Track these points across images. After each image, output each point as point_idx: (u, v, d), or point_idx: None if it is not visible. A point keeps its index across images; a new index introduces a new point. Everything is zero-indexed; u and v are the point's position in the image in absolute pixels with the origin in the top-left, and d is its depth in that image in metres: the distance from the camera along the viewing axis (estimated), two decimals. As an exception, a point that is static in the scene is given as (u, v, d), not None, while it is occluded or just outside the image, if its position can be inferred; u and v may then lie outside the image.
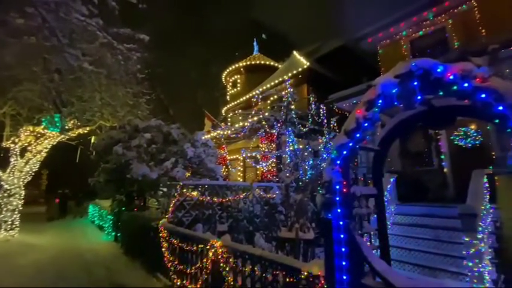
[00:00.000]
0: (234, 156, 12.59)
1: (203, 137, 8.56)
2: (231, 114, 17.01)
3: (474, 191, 4.86)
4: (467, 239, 4.22)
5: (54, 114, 8.93)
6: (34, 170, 9.85)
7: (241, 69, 18.63)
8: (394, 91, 2.07)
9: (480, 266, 4.12)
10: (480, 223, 4.41)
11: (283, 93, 7.80)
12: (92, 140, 11.32)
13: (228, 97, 19.71)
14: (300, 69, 13.53)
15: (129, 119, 9.09)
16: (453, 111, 2.18)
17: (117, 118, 9.38)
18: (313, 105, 9.97)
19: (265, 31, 52.26)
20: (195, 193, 5.99)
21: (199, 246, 4.03)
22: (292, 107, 8.59)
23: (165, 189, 7.36)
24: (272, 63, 18.58)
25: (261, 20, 54.36)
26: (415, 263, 5.47)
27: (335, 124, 9.54)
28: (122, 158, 7.70)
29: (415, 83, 1.91)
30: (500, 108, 1.52)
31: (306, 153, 6.72)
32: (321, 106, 9.70)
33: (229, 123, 15.20)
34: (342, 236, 2.37)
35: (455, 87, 1.66)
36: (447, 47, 8.75)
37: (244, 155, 8.95)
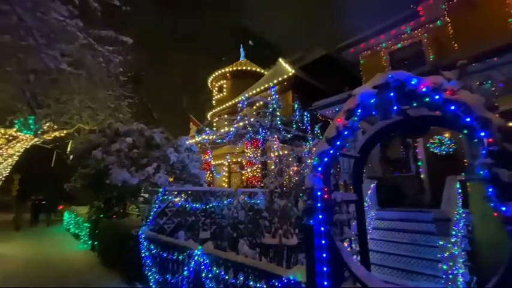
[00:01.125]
0: (219, 162, 12.49)
1: (187, 142, 8.43)
2: (216, 119, 16.94)
3: (448, 197, 5.10)
4: (441, 243, 4.40)
5: (28, 116, 8.48)
6: (5, 175, 9.24)
7: (228, 74, 18.69)
8: (372, 101, 2.16)
9: (454, 268, 4.30)
10: (454, 227, 4.62)
11: (269, 99, 7.89)
12: (70, 144, 10.83)
13: (213, 102, 19.64)
14: (285, 77, 13.76)
15: (109, 122, 8.79)
16: (427, 121, 2.30)
17: (96, 121, 9.05)
18: (297, 112, 10.14)
19: (253, 38, 52.87)
20: (177, 199, 5.87)
21: (181, 254, 3.93)
22: (278, 113, 8.70)
23: (146, 196, 7.15)
24: (258, 69, 18.78)
25: (249, 26, 55.00)
26: (394, 266, 5.62)
27: (318, 131, 9.74)
28: (101, 162, 7.41)
29: (392, 94, 2.00)
30: (468, 119, 1.62)
31: (290, 159, 6.79)
32: (305, 113, 9.88)
33: (214, 128, 15.12)
34: (323, 241, 2.41)
35: (427, 99, 1.76)
36: (423, 60, 9.25)
37: (229, 161, 8.90)
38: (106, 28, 6.40)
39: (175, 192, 6.02)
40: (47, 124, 9.22)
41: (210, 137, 10.62)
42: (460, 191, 5.74)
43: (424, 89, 1.76)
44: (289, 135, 8.73)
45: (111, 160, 7.32)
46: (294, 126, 9.66)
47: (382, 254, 6.05)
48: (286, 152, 8.22)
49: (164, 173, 7.14)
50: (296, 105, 10.78)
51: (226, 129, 10.28)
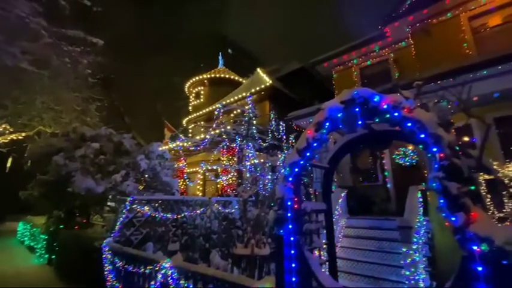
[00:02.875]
0: (194, 170, 12.20)
1: (160, 149, 8.15)
2: (192, 125, 16.63)
3: (410, 206, 5.43)
4: (404, 250, 4.66)
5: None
6: None
7: (205, 81, 18.57)
8: (339, 115, 2.27)
9: (416, 274, 4.55)
10: (415, 234, 4.92)
11: (246, 108, 7.95)
12: (28, 148, 9.95)
13: (190, 108, 19.32)
14: (262, 86, 13.98)
15: (75, 125, 8.24)
16: (389, 135, 2.46)
17: (60, 124, 8.43)
18: (273, 122, 10.31)
19: (232, 46, 53.30)
20: (146, 209, 5.60)
21: (148, 267, 3.73)
22: (254, 122, 8.76)
23: (112, 205, 6.75)
24: (236, 77, 18.91)
25: (229, 35, 55.44)
26: (362, 273, 5.80)
27: (293, 140, 9.96)
28: (63, 169, 6.88)
29: (357, 109, 2.12)
30: (422, 136, 1.76)
31: (265, 168, 6.84)
32: (281, 123, 10.08)
33: (190, 135, 14.82)
34: (292, 251, 2.43)
35: (388, 115, 1.89)
36: (390, 76, 9.96)
37: (204, 169, 8.74)
38: (75, 28, 6.08)
39: (145, 201, 5.74)
40: (2, 126, 8.40)
41: (185, 144, 10.36)
42: (421, 200, 6.15)
43: (385, 106, 1.90)
44: (264, 144, 8.82)
45: (74, 167, 6.83)
46: (270, 135, 9.78)
47: (351, 261, 6.23)
48: (262, 160, 8.27)
49: (133, 181, 6.80)
50: (272, 115, 10.97)
51: (202, 136, 10.12)
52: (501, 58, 5.31)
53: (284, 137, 9.92)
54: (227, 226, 6.43)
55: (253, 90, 14.02)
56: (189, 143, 10.26)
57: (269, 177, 6.06)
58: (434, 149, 1.71)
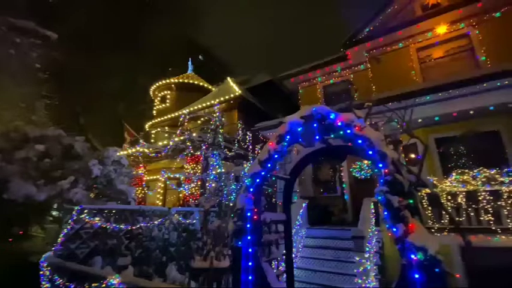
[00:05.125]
0: (154, 177, 11.55)
1: (117, 154, 7.59)
2: (155, 130, 15.88)
3: (363, 216, 5.80)
4: (357, 258, 4.92)
5: None
6: None
7: (173, 85, 18.02)
8: (299, 129, 2.37)
9: (367, 282, 4.81)
10: (367, 244, 5.24)
11: (212, 116, 7.86)
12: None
13: (154, 112, 18.49)
14: (232, 96, 14.03)
15: (16, 124, 7.30)
16: (344, 150, 2.63)
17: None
18: (241, 131, 10.36)
19: (203, 53, 52.83)
20: (97, 219, 5.13)
21: (93, 284, 3.39)
22: (221, 130, 8.68)
23: (57, 214, 6.05)
24: (206, 85, 18.71)
25: (202, 42, 54.94)
26: (320, 283, 5.96)
27: (259, 151, 10.08)
28: (-2, 173, 6.01)
29: (315, 125, 2.25)
30: (371, 152, 1.92)
31: (230, 178, 6.77)
32: (248, 133, 10.17)
33: (152, 140, 14.12)
34: (250, 263, 2.41)
35: (341, 132, 2.04)
36: (350, 96, 10.74)
37: (165, 176, 8.34)
38: (27, 19, 5.50)
39: (95, 211, 5.27)
40: None
41: (146, 150, 9.81)
42: (373, 211, 6.61)
43: (339, 123, 2.04)
44: (230, 153, 8.77)
45: (12, 170, 6.00)
46: (236, 144, 9.79)
47: (310, 271, 6.37)
48: (227, 170, 8.17)
49: (83, 188, 6.19)
50: (240, 125, 11.02)
51: (165, 142, 9.70)
52: (441, 86, 6.08)
53: (251, 147, 10.00)
54: (187, 238, 6.17)
55: (222, 99, 13.98)
56: (150, 149, 9.74)
57: (233, 187, 6.00)
58: (380, 165, 1.87)
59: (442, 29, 8.67)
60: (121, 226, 5.35)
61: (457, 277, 4.92)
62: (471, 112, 6.63)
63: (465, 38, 8.46)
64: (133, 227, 5.55)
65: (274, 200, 8.77)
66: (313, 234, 7.41)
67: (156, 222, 5.87)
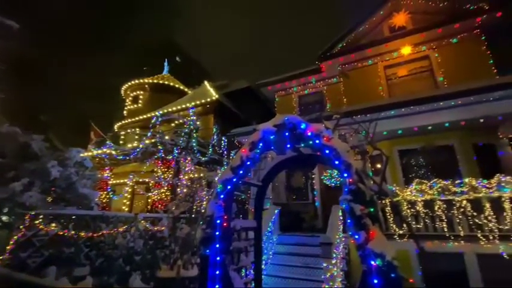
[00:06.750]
0: (121, 181, 10.92)
1: (80, 155, 7.08)
2: (124, 132, 15.10)
3: (332, 223, 5.99)
4: (325, 265, 5.04)
5: None
6: None
7: (146, 85, 17.38)
8: (272, 137, 2.41)
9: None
10: (335, 250, 5.41)
11: (186, 119, 7.69)
12: None
13: (125, 112, 17.63)
14: (208, 100, 13.89)
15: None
16: (314, 159, 2.72)
17: None
18: (216, 136, 10.26)
19: (182, 55, 51.84)
20: (53, 225, 4.71)
21: (43, 298, 3.09)
22: (195, 135, 8.51)
23: (6, 219, 5.47)
24: (182, 87, 18.31)
25: (180, 43, 53.90)
26: (288, 290, 6.01)
27: (235, 157, 10.03)
28: None
29: (287, 134, 2.31)
30: (337, 162, 2.01)
31: (202, 183, 6.64)
32: (223, 138, 10.10)
33: (121, 142, 13.42)
34: (217, 272, 2.37)
35: (311, 142, 2.11)
36: (323, 106, 11.19)
37: (133, 181, 7.91)
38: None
39: (52, 217, 4.84)
40: None
41: (113, 152, 9.25)
42: (341, 218, 6.85)
43: (309, 133, 2.11)
44: (204, 158, 8.62)
45: (-47, 170, 5.33)
46: (211, 149, 9.65)
47: (279, 278, 6.39)
48: (200, 175, 8.01)
49: (38, 192, 5.67)
50: (215, 129, 10.91)
51: (135, 144, 9.24)
52: (404, 103, 6.58)
53: (226, 152, 9.92)
54: (153, 246, 5.90)
55: (198, 102, 13.78)
56: (118, 151, 9.22)
57: (204, 193, 5.89)
58: (345, 175, 1.97)
59: (406, 50, 9.44)
60: (80, 233, 4.96)
61: (410, 282, 5.24)
62: (429, 127, 7.25)
63: (426, 60, 9.29)
64: (95, 234, 5.17)
65: (247, 206, 8.74)
66: (284, 241, 7.48)
67: (120, 229, 5.53)
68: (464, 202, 5.78)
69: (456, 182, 6.06)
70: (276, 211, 7.83)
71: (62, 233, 4.76)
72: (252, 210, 7.00)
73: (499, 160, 7.13)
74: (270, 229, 7.19)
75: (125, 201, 10.30)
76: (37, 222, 4.77)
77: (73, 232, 4.84)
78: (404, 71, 9.66)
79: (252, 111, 15.63)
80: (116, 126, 16.70)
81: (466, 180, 5.98)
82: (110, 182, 10.76)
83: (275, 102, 12.45)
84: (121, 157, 9.02)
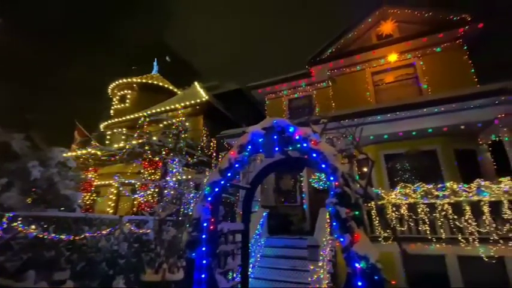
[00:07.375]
0: (105, 182, 10.62)
1: (64, 155, 6.84)
2: (110, 132, 14.74)
3: (319, 226, 6.05)
4: (312, 267, 5.08)
5: None
6: None
7: (135, 85, 17.06)
8: (260, 140, 2.42)
9: (320, 290, 4.98)
10: (321, 252, 5.45)
11: (175, 120, 7.59)
12: None
13: (111, 112, 17.21)
14: (198, 101, 13.77)
15: None
16: (301, 162, 2.75)
17: None
18: (204, 138, 10.18)
19: (172, 55, 51.22)
20: (32, 228, 4.53)
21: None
22: (184, 136, 8.40)
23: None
24: (171, 87, 18.09)
25: (171, 44, 53.31)
26: (274, 293, 5.99)
27: (223, 159, 9.98)
28: None
29: (275, 137, 2.32)
30: (324, 166, 2.04)
31: (189, 185, 6.55)
32: (212, 140, 10.04)
33: (107, 142, 13.08)
34: (203, 275, 2.34)
35: (299, 145, 2.14)
36: (313, 110, 11.33)
37: (118, 182, 7.72)
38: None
39: (31, 219, 4.65)
40: None
41: (98, 152, 8.97)
42: (328, 220, 6.93)
43: (297, 137, 2.14)
44: (192, 160, 8.52)
45: None
46: (200, 151, 9.56)
47: (266, 281, 6.37)
48: (189, 176, 7.90)
49: (18, 192, 5.43)
50: (204, 131, 10.84)
51: (121, 145, 9.01)
52: (389, 108, 6.77)
53: (215, 154, 9.86)
54: (139, 249, 5.76)
55: (187, 103, 13.64)
56: (103, 151, 8.95)
57: (192, 195, 5.82)
58: (332, 178, 2.00)
59: (393, 57, 9.72)
60: (61, 236, 4.79)
61: (393, 283, 5.36)
62: (414, 133, 7.48)
63: (411, 67, 9.60)
64: (77, 237, 5.00)
65: (235, 209, 8.69)
66: (272, 244, 7.47)
67: (104, 232, 5.37)
68: (446, 206, 5.98)
69: (438, 186, 6.26)
70: (264, 214, 7.82)
71: (42, 235, 4.57)
72: (241, 212, 6.98)
73: (479, 165, 7.44)
74: (258, 232, 7.17)
75: (109, 203, 10.02)
76: (16, 224, 4.57)
77: (54, 235, 4.66)
78: (390, 78, 9.94)
79: (242, 113, 15.62)
80: (101, 126, 16.26)
81: (448, 184, 6.19)
82: (95, 183, 10.45)
83: (265, 105, 12.50)
84: (107, 157, 8.76)
